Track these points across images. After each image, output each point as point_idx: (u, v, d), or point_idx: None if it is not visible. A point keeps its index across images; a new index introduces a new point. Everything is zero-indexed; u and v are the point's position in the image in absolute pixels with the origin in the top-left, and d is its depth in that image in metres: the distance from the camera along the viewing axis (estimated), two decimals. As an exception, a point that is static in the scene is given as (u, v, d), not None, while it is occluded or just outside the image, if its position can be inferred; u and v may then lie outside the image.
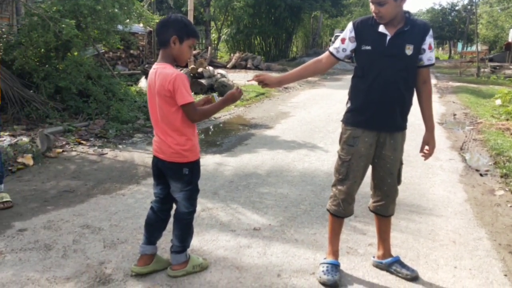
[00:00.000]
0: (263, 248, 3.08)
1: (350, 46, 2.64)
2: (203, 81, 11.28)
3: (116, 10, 7.71)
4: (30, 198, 3.91)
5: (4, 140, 5.46)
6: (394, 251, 2.93)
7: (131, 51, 13.76)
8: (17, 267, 2.71)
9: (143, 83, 10.71)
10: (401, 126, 2.68)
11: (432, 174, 5.10)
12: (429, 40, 2.58)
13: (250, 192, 4.25)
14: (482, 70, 23.55)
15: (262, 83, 2.74)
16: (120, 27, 8.30)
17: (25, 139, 5.60)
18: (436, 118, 8.12)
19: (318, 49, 33.29)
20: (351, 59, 2.77)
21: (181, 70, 9.21)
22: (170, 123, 2.47)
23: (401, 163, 2.76)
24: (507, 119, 8.81)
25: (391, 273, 2.79)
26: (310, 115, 9.15)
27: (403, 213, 3.78)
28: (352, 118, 2.68)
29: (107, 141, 6.09)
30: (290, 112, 9.50)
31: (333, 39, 27.09)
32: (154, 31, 13.37)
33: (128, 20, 8.25)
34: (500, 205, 4.16)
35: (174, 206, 2.68)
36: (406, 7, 2.55)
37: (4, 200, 3.66)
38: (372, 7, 2.52)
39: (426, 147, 2.75)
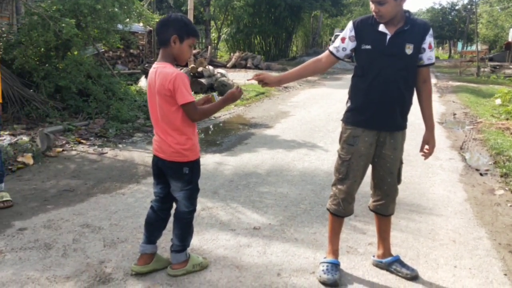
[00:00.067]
0: (263, 247, 3.08)
1: (350, 45, 2.64)
2: (203, 80, 11.28)
3: (116, 10, 7.71)
4: (30, 197, 3.91)
5: (4, 139, 5.46)
6: (394, 250, 2.93)
7: (131, 51, 13.75)
8: (17, 266, 2.71)
9: (143, 82, 10.71)
10: (401, 125, 2.68)
11: (432, 173, 5.10)
12: (429, 39, 2.58)
13: (250, 192, 4.25)
14: (482, 69, 23.55)
15: (262, 82, 2.74)
16: (120, 26, 8.31)
17: (25, 138, 5.60)
18: (436, 117, 8.12)
19: (318, 49, 33.27)
20: (351, 59, 2.77)
21: (181, 69, 9.21)
22: (170, 122, 2.47)
23: (401, 163, 2.76)
24: (507, 119, 8.82)
25: (391, 272, 2.79)
26: (310, 115, 9.15)
27: (403, 213, 3.79)
28: (352, 118, 2.68)
29: (107, 140, 6.09)
30: (290, 112, 9.50)
31: (333, 38, 27.06)
32: (154, 31, 13.37)
33: (128, 20, 8.25)
34: (500, 205, 4.16)
35: (174, 205, 2.68)
36: (406, 6, 2.55)
37: (4, 199, 3.66)
38: (372, 6, 2.52)
39: (426, 147, 2.75)
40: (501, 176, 5.04)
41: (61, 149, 5.47)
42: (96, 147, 5.74)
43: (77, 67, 7.27)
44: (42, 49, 7.14)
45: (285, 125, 7.93)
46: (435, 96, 11.94)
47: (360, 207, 3.68)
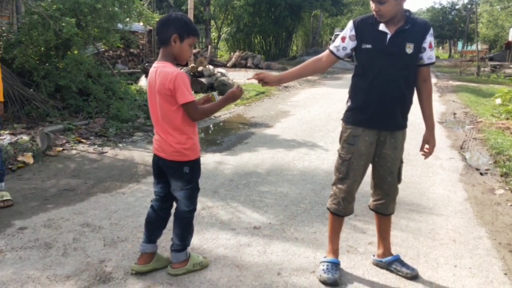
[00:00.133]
0: (263, 246, 3.08)
1: (350, 44, 2.64)
2: (203, 80, 11.28)
3: (116, 9, 7.72)
4: (30, 196, 3.91)
5: (5, 138, 5.46)
6: (394, 250, 2.93)
7: (131, 50, 13.76)
8: (17, 265, 2.71)
9: (143, 81, 10.71)
10: (402, 124, 2.68)
11: (432, 173, 5.10)
12: (430, 38, 2.58)
13: (250, 191, 4.25)
14: (482, 69, 23.54)
15: (262, 81, 2.74)
16: (120, 25, 8.31)
17: (25, 137, 5.60)
18: (436, 117, 8.10)
19: (318, 48, 33.23)
20: (351, 58, 2.77)
21: (181, 68, 9.21)
22: (171, 121, 2.47)
23: (401, 162, 2.76)
24: (507, 118, 8.81)
25: (391, 271, 2.79)
26: (310, 114, 9.14)
27: (403, 212, 3.79)
28: (352, 117, 2.68)
29: (107, 140, 6.09)
30: (290, 111, 9.50)
31: (333, 38, 27.05)
32: (154, 30, 13.36)
33: (128, 19, 8.26)
34: (500, 204, 4.16)
35: (175, 204, 2.68)
36: (406, 5, 2.55)
37: (5, 198, 3.66)
38: (372, 5, 2.51)
39: (426, 146, 2.75)
40: (501, 176, 5.04)
41: (61, 149, 5.47)
42: (96, 146, 5.74)
43: (77, 66, 7.27)
44: (42, 48, 7.14)
45: (285, 124, 7.93)
46: (435, 96, 11.94)
47: (360, 207, 3.67)
